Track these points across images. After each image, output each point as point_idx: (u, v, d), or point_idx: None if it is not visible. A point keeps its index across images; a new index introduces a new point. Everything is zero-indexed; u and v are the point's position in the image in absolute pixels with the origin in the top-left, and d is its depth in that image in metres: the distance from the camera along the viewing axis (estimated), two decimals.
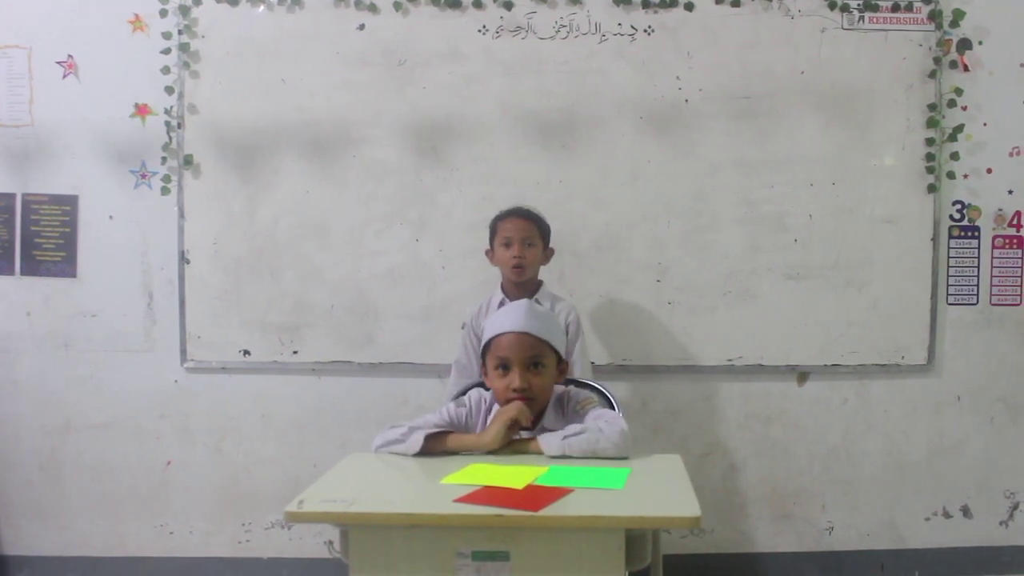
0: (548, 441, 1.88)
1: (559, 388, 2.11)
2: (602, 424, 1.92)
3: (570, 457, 1.86)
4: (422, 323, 3.08)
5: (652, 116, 3.06)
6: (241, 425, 3.16)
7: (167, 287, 3.12)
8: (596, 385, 2.35)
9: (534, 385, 1.98)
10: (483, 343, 2.07)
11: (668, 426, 3.14)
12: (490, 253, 2.78)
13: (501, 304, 2.72)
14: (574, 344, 2.66)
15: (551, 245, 2.80)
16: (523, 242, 2.68)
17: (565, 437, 1.87)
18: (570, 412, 2.06)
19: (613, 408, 2.23)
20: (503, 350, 1.99)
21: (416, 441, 1.91)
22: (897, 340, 3.12)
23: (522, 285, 2.71)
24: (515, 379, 1.96)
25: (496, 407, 2.05)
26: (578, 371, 2.59)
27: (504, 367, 1.99)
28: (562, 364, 2.08)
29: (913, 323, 3.12)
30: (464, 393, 2.22)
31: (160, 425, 3.16)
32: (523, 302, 2.11)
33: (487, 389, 2.14)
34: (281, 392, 3.14)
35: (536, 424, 2.03)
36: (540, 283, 2.77)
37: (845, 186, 3.08)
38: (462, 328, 2.83)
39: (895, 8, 3.05)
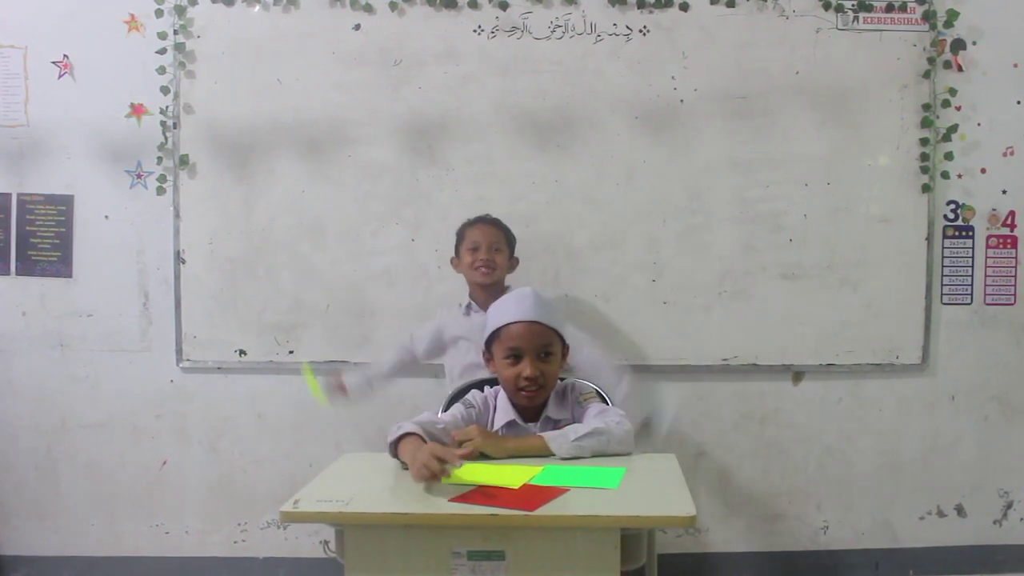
0: (558, 443, 1.87)
1: (560, 383, 2.11)
2: (611, 423, 1.93)
3: (580, 458, 1.85)
4: (418, 323, 3.06)
5: (647, 116, 3.07)
6: (237, 425, 3.16)
7: (163, 287, 3.11)
8: (593, 385, 2.35)
9: (545, 373, 1.98)
10: (489, 332, 2.04)
11: None
12: (455, 261, 2.81)
13: (468, 308, 2.75)
14: None
15: (515, 255, 2.83)
16: (490, 247, 2.72)
17: (576, 439, 1.86)
18: (573, 403, 2.07)
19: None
20: (514, 340, 1.97)
21: (396, 432, 1.82)
22: (891, 339, 3.13)
23: (490, 291, 2.68)
24: (527, 368, 1.96)
25: (501, 403, 2.06)
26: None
27: (515, 356, 1.98)
28: (565, 349, 2.07)
29: (907, 322, 3.13)
30: (466, 391, 2.20)
31: (156, 425, 3.16)
32: (529, 291, 2.06)
33: (481, 389, 2.15)
34: (277, 392, 3.14)
35: (540, 414, 2.04)
36: (507, 289, 2.74)
37: (840, 186, 3.09)
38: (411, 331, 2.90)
39: (889, 8, 3.06)
